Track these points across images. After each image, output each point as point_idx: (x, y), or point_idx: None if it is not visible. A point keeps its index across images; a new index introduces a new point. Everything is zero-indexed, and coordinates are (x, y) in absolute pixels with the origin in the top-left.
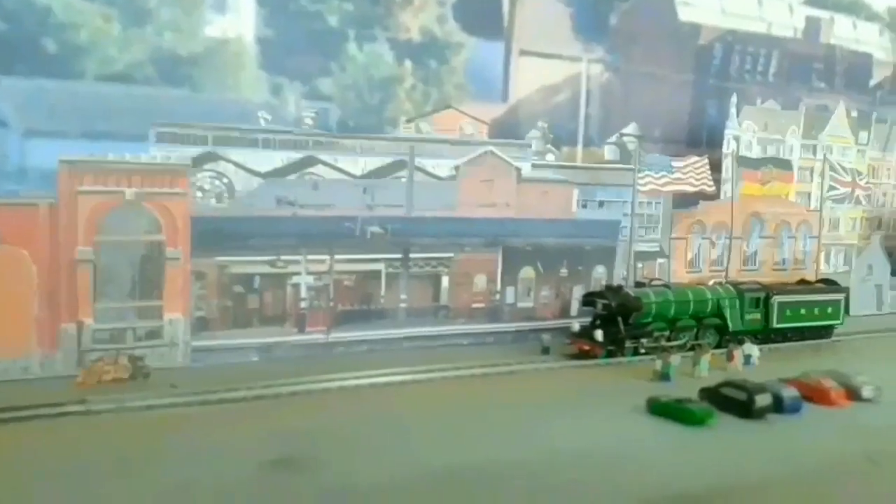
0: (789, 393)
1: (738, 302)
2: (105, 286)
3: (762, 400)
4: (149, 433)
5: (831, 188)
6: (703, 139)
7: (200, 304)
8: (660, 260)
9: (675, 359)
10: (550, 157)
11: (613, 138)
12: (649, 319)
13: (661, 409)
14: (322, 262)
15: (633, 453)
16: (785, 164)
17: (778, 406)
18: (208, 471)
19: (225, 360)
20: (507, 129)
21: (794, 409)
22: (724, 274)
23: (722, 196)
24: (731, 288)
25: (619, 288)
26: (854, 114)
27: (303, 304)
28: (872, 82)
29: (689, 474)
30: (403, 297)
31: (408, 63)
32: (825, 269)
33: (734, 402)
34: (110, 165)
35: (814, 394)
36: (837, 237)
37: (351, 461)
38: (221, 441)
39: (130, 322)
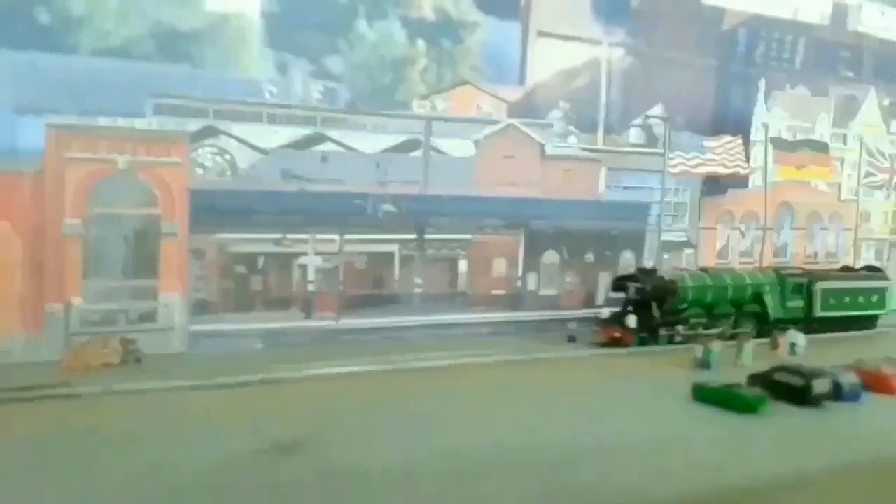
0: (849, 379)
1: (779, 288)
2: (95, 263)
3: (820, 386)
4: (135, 417)
5: (868, 174)
6: (728, 127)
7: (199, 284)
8: (687, 250)
9: (717, 345)
10: (573, 140)
11: (639, 120)
12: (685, 305)
13: (709, 396)
14: (331, 241)
15: (680, 442)
16: (822, 147)
17: (837, 393)
18: (193, 454)
19: (225, 346)
20: (525, 114)
21: (854, 396)
22: (755, 266)
23: (750, 184)
24: (771, 273)
25: (653, 271)
26: (886, 102)
27: (310, 287)
28: None
29: (742, 465)
30: (418, 281)
31: (420, 43)
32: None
33: (789, 387)
34: (102, 131)
35: (873, 381)
36: (869, 231)
37: (354, 446)
38: (214, 425)
39: (123, 303)
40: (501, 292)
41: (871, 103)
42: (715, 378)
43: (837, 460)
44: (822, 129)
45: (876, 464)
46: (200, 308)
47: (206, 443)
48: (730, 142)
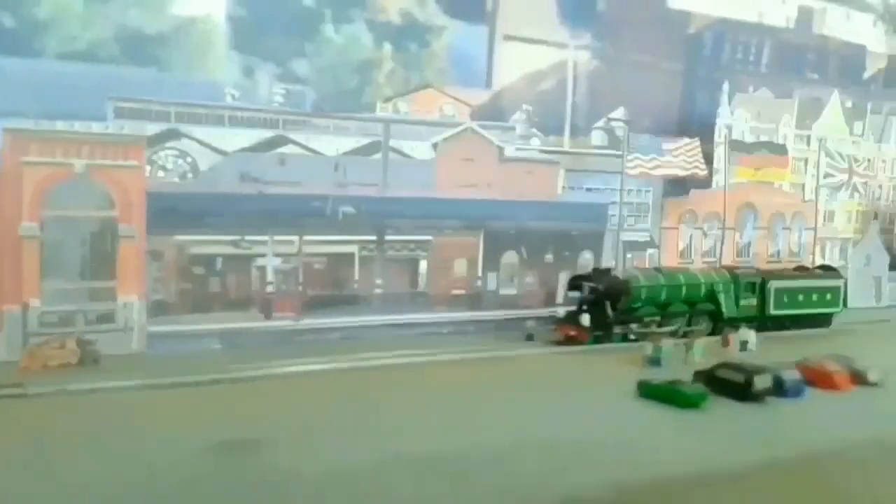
0: (791, 375)
1: (732, 287)
2: (53, 265)
3: (761, 382)
4: (86, 417)
5: (828, 175)
6: (693, 129)
7: (157, 286)
8: (650, 250)
9: (667, 343)
10: (535, 142)
11: (601, 123)
12: (639, 304)
13: (652, 392)
14: (290, 243)
15: (621, 437)
16: (779, 149)
17: (779, 389)
18: (142, 454)
19: (184, 346)
20: (492, 117)
21: (796, 392)
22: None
23: (714, 185)
24: (725, 272)
25: (608, 271)
26: (849, 104)
27: (269, 288)
28: (866, 74)
29: (678, 458)
30: (379, 282)
31: (387, 46)
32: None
33: (731, 384)
34: (58, 135)
35: (817, 377)
36: (833, 230)
37: (304, 446)
38: (163, 424)
39: (81, 304)
40: (461, 292)
41: (834, 105)
42: (663, 375)
43: (771, 454)
44: (786, 131)
45: (809, 458)
46: (159, 309)
47: (151, 443)
48: (688, 144)
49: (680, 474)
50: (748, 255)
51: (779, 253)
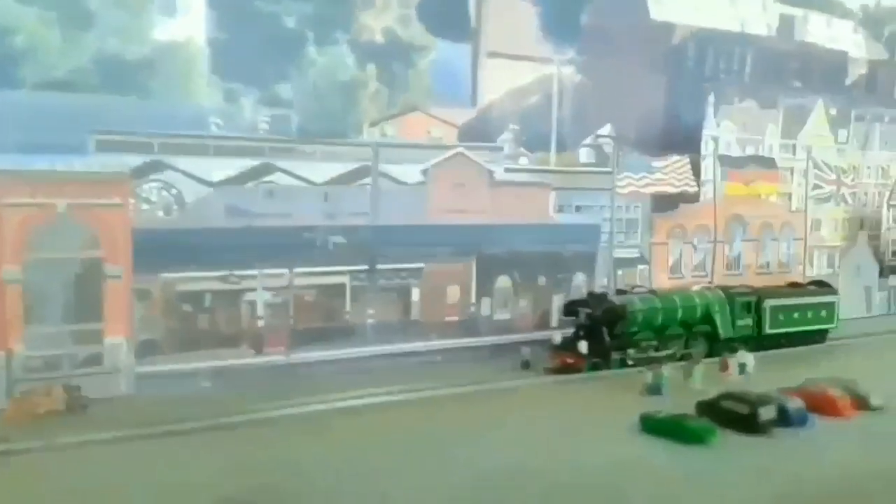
0: (794, 404)
1: (728, 307)
2: (37, 308)
3: (766, 413)
4: (79, 474)
5: (816, 187)
6: (679, 141)
7: (145, 325)
8: (640, 266)
9: (667, 370)
10: (524, 161)
11: (589, 140)
12: (636, 328)
13: (657, 427)
14: (280, 276)
15: (628, 478)
16: (768, 163)
17: (783, 419)
18: None
19: (174, 387)
20: (478, 135)
21: (801, 421)
22: (707, 279)
23: (702, 198)
24: (720, 292)
25: (603, 295)
26: (833, 111)
27: (259, 323)
28: (848, 81)
29: (692, 501)
30: (371, 311)
31: (371, 66)
32: (809, 273)
33: (736, 415)
34: (39, 175)
35: (819, 404)
36: (820, 239)
37: (315, 499)
38: (167, 479)
39: (67, 348)
40: (455, 318)
41: (818, 113)
42: (665, 404)
43: (788, 489)
44: (772, 141)
45: (823, 494)
46: (147, 349)
47: (153, 500)
48: (677, 161)
49: None
50: (738, 268)
51: (768, 264)
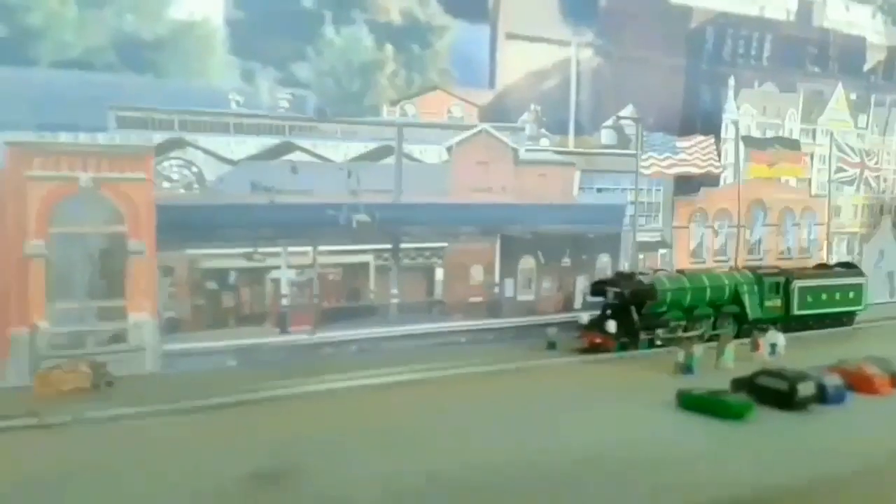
0: (832, 381)
1: (756, 288)
2: (60, 284)
3: (805, 389)
4: (109, 447)
5: (839, 170)
6: (697, 125)
7: (169, 302)
8: (661, 250)
9: (699, 349)
10: (545, 142)
11: (610, 122)
12: (664, 308)
13: (694, 403)
14: (304, 254)
15: (669, 453)
16: (792, 145)
17: (821, 396)
18: (183, 482)
19: (199, 365)
20: (496, 117)
21: (839, 398)
22: (730, 265)
23: (721, 182)
24: (748, 273)
25: (632, 275)
26: (853, 96)
27: (284, 302)
28: (866, 66)
29: (733, 474)
30: (394, 291)
31: (389, 47)
32: (829, 259)
33: (773, 392)
34: (63, 147)
35: (856, 382)
36: (840, 225)
37: (342, 472)
38: (192, 453)
39: (91, 325)
40: (479, 299)
41: (838, 98)
42: (698, 382)
43: (829, 466)
44: (791, 125)
45: (870, 468)
46: (171, 327)
47: (184, 474)
48: (702, 141)
49: (742, 491)
50: (759, 253)
51: (789, 250)
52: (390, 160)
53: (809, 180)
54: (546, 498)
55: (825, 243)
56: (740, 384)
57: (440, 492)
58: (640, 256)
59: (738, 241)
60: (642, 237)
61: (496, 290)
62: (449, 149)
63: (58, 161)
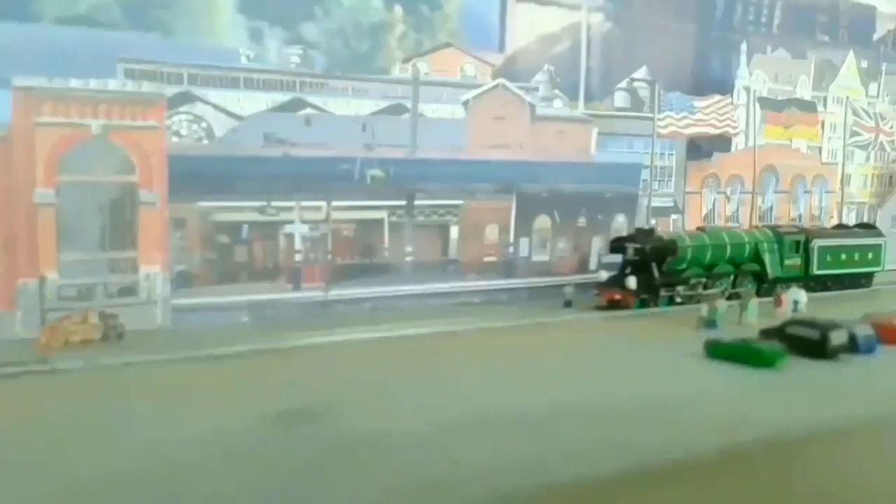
0: (864, 331)
1: (776, 246)
2: (70, 235)
3: (837, 338)
4: (125, 392)
5: (854, 133)
6: (709, 91)
7: (181, 256)
8: (674, 216)
9: (722, 304)
10: (558, 103)
11: (624, 83)
12: (684, 265)
13: (724, 352)
14: (317, 209)
15: (701, 398)
16: (809, 106)
17: (852, 345)
18: (206, 421)
19: (211, 320)
20: (508, 79)
21: (869, 348)
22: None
23: (733, 148)
24: (769, 231)
25: (652, 231)
26: (864, 65)
27: (297, 257)
28: (876, 35)
29: (767, 419)
30: (409, 249)
31: (398, 8)
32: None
33: (804, 341)
34: (73, 93)
35: (886, 333)
36: (850, 194)
37: (367, 412)
38: (218, 395)
39: (101, 276)
40: (493, 259)
41: (850, 65)
42: (723, 336)
43: (861, 413)
44: (803, 92)
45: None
46: (183, 281)
47: (210, 411)
48: (720, 101)
49: (769, 435)
50: (771, 220)
51: (800, 217)
52: (406, 116)
53: (820, 148)
54: (574, 438)
55: (835, 211)
56: (770, 334)
57: (478, 428)
58: (653, 221)
59: (752, 206)
60: (655, 202)
61: (511, 249)
62: (465, 103)
63: (68, 107)
